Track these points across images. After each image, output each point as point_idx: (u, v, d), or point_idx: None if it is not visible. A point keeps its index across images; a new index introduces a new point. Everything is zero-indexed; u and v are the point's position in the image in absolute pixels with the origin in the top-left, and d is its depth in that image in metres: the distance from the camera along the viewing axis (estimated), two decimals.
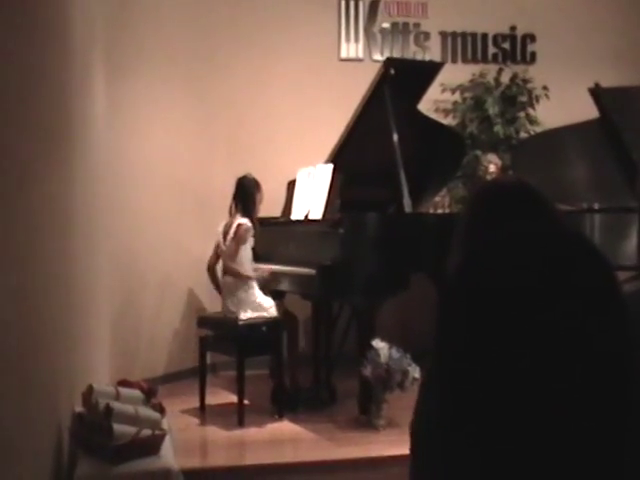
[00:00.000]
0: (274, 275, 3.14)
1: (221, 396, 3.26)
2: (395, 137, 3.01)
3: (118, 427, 1.64)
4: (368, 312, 2.83)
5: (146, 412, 1.78)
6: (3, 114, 1.12)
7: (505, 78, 4.11)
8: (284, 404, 2.94)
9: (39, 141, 1.49)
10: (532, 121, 4.03)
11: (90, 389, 1.81)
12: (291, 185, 3.47)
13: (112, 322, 3.20)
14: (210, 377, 3.21)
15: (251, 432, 2.76)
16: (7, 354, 1.13)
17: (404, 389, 2.65)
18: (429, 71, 3.32)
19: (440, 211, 3.84)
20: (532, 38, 4.42)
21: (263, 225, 3.24)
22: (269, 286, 3.16)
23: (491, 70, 4.14)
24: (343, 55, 4.21)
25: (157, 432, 1.70)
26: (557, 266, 0.78)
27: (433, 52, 4.27)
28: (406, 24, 4.27)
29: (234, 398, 2.94)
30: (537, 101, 4.04)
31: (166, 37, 3.61)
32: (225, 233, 3.10)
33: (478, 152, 3.94)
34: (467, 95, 4.07)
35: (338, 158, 3.28)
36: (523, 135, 4.01)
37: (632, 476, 0.74)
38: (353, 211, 2.92)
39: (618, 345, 0.75)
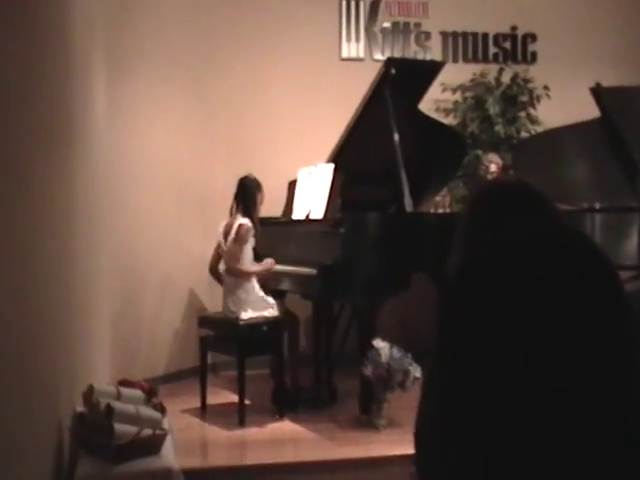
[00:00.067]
0: (275, 275, 3.13)
1: (222, 396, 3.26)
2: (396, 137, 3.01)
3: (119, 427, 1.64)
4: (369, 312, 2.83)
5: (147, 412, 1.78)
6: (3, 114, 1.12)
7: (506, 78, 4.10)
8: (285, 404, 2.94)
9: (39, 141, 1.49)
10: (533, 121, 4.03)
11: (91, 389, 1.81)
12: (292, 185, 3.47)
13: (113, 322, 3.20)
14: (211, 377, 3.21)
15: (252, 432, 2.76)
16: (8, 354, 1.13)
17: (405, 389, 2.65)
18: (430, 71, 3.32)
19: (441, 211, 3.83)
20: (533, 38, 4.41)
21: (264, 225, 3.24)
22: (269, 285, 3.15)
23: (492, 70, 4.13)
24: (344, 55, 4.21)
25: (158, 432, 1.70)
26: (557, 266, 0.78)
27: (434, 52, 4.27)
28: (407, 24, 4.27)
29: (235, 398, 2.94)
30: (538, 101, 4.04)
31: (166, 37, 3.61)
32: (226, 233, 3.09)
33: (479, 152, 3.94)
34: (468, 95, 4.07)
35: (339, 158, 3.28)
36: (524, 135, 4.00)
37: (633, 476, 0.73)
38: (354, 211, 2.92)
39: (619, 345, 0.75)
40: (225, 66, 3.92)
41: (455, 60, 4.28)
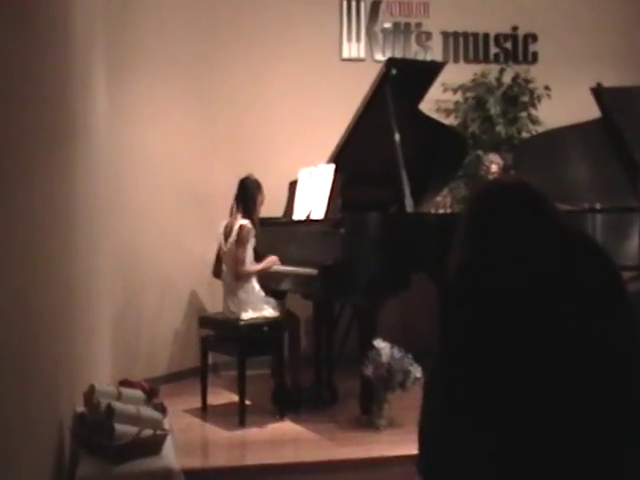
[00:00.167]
0: (276, 275, 3.13)
1: (222, 396, 3.26)
2: (397, 137, 3.01)
3: (119, 427, 1.64)
4: (369, 312, 2.83)
5: (147, 412, 1.78)
6: (3, 114, 1.12)
7: (507, 78, 4.10)
8: (285, 404, 2.94)
9: (40, 141, 1.49)
10: (534, 121, 4.03)
11: (92, 389, 1.81)
12: (292, 185, 3.47)
13: (113, 322, 3.20)
14: (211, 377, 3.21)
15: (252, 432, 2.76)
16: (8, 354, 1.13)
17: (405, 389, 2.65)
18: (431, 71, 3.32)
19: (442, 211, 3.83)
20: (534, 38, 4.41)
21: (265, 225, 3.24)
22: (270, 285, 3.15)
23: (493, 70, 4.13)
24: (345, 55, 4.21)
25: (158, 432, 1.70)
26: (558, 266, 0.77)
27: (435, 52, 4.27)
28: (408, 24, 4.27)
29: (235, 398, 2.94)
30: (539, 101, 4.03)
31: (167, 37, 3.61)
32: (226, 234, 3.09)
33: (480, 152, 3.94)
34: (469, 95, 4.06)
35: (339, 158, 3.28)
36: (525, 135, 4.00)
37: (634, 476, 0.73)
38: (354, 211, 2.92)
39: (622, 345, 0.74)
40: (225, 66, 3.93)
41: (456, 60, 4.28)
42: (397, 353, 2.67)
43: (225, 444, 2.68)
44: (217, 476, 2.36)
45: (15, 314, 1.19)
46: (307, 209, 3.21)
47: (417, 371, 2.63)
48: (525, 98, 4.05)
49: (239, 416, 2.82)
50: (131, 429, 1.65)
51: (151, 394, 1.95)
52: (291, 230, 3.30)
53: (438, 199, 3.79)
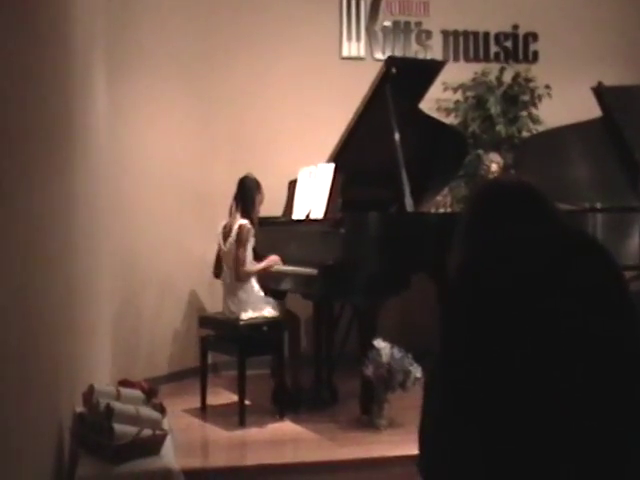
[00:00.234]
0: (276, 275, 3.14)
1: (222, 396, 3.26)
2: (396, 136, 3.01)
3: (119, 427, 1.64)
4: (369, 312, 2.83)
5: (147, 412, 1.78)
6: (4, 114, 1.13)
7: (507, 77, 4.10)
8: (285, 404, 2.95)
9: (40, 141, 1.50)
10: (534, 120, 4.03)
11: (91, 389, 1.82)
12: (292, 185, 3.47)
13: (113, 322, 3.20)
14: (211, 377, 3.21)
15: (252, 432, 2.76)
16: (8, 354, 1.14)
17: (406, 389, 2.65)
18: (431, 70, 3.32)
19: (442, 211, 3.83)
20: (534, 37, 4.41)
21: (264, 225, 3.24)
22: (270, 285, 3.16)
23: (493, 69, 4.13)
24: (344, 54, 4.21)
25: (158, 432, 1.70)
26: (558, 266, 0.78)
27: (435, 51, 4.27)
28: (408, 22, 4.27)
29: (235, 398, 2.94)
30: (539, 100, 4.03)
31: (167, 36, 3.61)
32: (225, 234, 3.09)
33: (480, 151, 3.94)
34: (469, 94, 4.06)
35: (339, 157, 3.28)
36: (525, 134, 4.00)
37: (635, 476, 0.73)
38: (354, 211, 2.92)
39: (624, 344, 0.74)
40: (225, 65, 3.93)
41: (456, 59, 4.28)
42: (397, 353, 2.68)
43: (225, 444, 2.68)
44: (217, 476, 2.36)
45: (15, 314, 1.19)
46: (307, 209, 3.21)
47: (417, 371, 2.63)
48: (525, 97, 4.05)
49: (239, 416, 2.82)
50: (130, 429, 1.65)
51: (150, 394, 1.95)
52: (291, 230, 3.30)
53: (438, 199, 3.80)
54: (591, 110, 3.42)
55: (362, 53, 4.22)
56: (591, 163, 3.41)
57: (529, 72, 4.10)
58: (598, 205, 3.30)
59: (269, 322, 2.98)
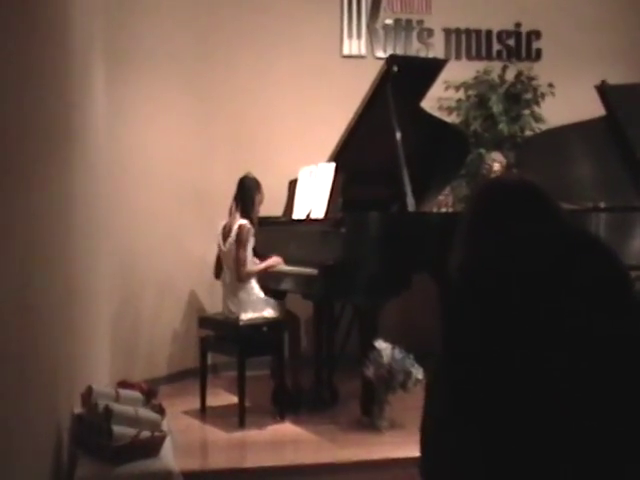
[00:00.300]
0: (276, 275, 3.14)
1: (222, 397, 3.26)
2: (398, 135, 3.01)
3: (118, 428, 1.65)
4: (370, 312, 2.84)
5: (146, 413, 1.78)
6: (2, 115, 1.13)
7: (510, 75, 4.10)
8: (285, 405, 2.95)
9: (38, 141, 1.50)
10: (537, 119, 4.02)
11: (89, 390, 1.82)
12: (292, 184, 3.47)
13: (112, 322, 3.21)
14: (211, 378, 3.22)
15: (252, 433, 2.76)
16: (7, 354, 1.14)
17: (407, 390, 2.65)
18: (432, 68, 3.32)
19: (443, 210, 3.83)
20: (537, 35, 4.41)
21: (264, 225, 3.24)
22: (270, 285, 3.16)
23: (495, 67, 4.13)
24: (345, 52, 4.21)
25: (157, 433, 1.71)
26: (562, 266, 0.78)
27: (436, 49, 4.26)
28: (409, 20, 4.27)
29: (235, 399, 2.95)
30: (542, 99, 4.03)
31: (166, 35, 3.61)
32: (225, 235, 3.10)
33: (482, 150, 3.94)
34: (471, 93, 4.06)
35: (340, 156, 3.28)
36: (528, 133, 4.00)
37: (635, 476, 0.74)
38: (355, 210, 2.92)
39: (628, 344, 0.74)
40: (225, 64, 3.93)
41: (458, 57, 4.28)
42: (398, 354, 2.68)
43: (225, 445, 2.68)
44: (216, 478, 2.37)
45: (14, 314, 1.19)
46: (307, 208, 3.21)
47: (418, 372, 2.63)
48: (528, 96, 4.05)
49: (239, 417, 2.82)
50: (129, 430, 1.65)
51: (149, 395, 1.96)
52: (291, 230, 3.30)
53: (440, 198, 3.80)
54: (594, 109, 3.42)
55: (363, 51, 4.22)
56: (594, 162, 3.41)
57: (532, 70, 4.10)
58: (601, 205, 3.30)
59: (269, 322, 2.98)
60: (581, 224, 2.99)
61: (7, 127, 1.16)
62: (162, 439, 1.72)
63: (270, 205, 3.34)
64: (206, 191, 3.78)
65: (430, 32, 4.29)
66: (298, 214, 3.29)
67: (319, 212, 3.09)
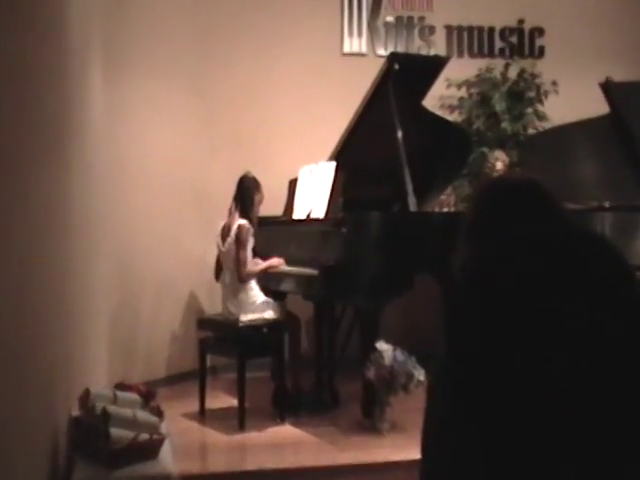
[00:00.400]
0: (276, 275, 3.14)
1: (221, 399, 3.26)
2: (399, 134, 3.01)
3: (115, 431, 1.64)
4: (371, 313, 2.83)
5: (144, 416, 1.78)
6: (0, 114, 1.13)
7: (512, 73, 4.10)
8: (286, 407, 2.95)
9: (36, 141, 1.50)
10: (540, 117, 4.02)
11: (87, 393, 1.82)
12: (292, 183, 3.47)
13: (110, 323, 3.21)
14: (210, 380, 3.22)
15: (252, 436, 2.76)
16: (4, 355, 1.14)
17: (408, 392, 2.65)
18: (434, 66, 3.32)
19: (445, 210, 3.83)
20: (540, 32, 4.40)
21: (264, 225, 3.24)
22: (270, 286, 3.15)
23: (498, 65, 4.12)
24: (346, 50, 4.21)
25: (155, 436, 1.70)
26: (565, 266, 0.77)
27: (438, 46, 4.26)
28: (410, 18, 4.27)
29: (234, 401, 2.94)
30: (545, 97, 4.03)
31: (165, 34, 3.61)
32: (224, 235, 3.09)
33: (485, 149, 3.93)
34: (473, 91, 4.06)
35: (341, 155, 3.28)
36: (531, 132, 4.00)
37: (635, 476, 0.73)
38: (356, 210, 2.92)
39: (632, 344, 0.74)
40: (224, 63, 3.93)
41: (460, 55, 4.27)
42: (400, 355, 2.68)
43: (224, 448, 2.68)
44: None
45: (11, 315, 1.19)
46: (307, 208, 3.21)
47: (420, 374, 2.63)
48: (531, 94, 4.04)
49: (238, 419, 2.82)
50: (127, 433, 1.65)
51: (148, 397, 1.95)
52: (291, 230, 3.30)
53: (442, 198, 3.79)
54: (598, 106, 3.41)
55: (364, 49, 4.22)
56: (598, 161, 3.40)
57: (535, 68, 4.09)
58: (606, 204, 3.29)
59: (269, 324, 2.98)
60: (585, 224, 2.99)
61: (4, 127, 1.16)
62: (161, 442, 1.71)
63: (270, 205, 3.34)
64: (205, 191, 3.77)
65: (432, 29, 4.28)
66: (298, 214, 3.29)
67: (319, 212, 3.08)
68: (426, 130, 3.26)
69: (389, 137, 3.01)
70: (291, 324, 3.15)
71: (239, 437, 2.76)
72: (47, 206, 1.63)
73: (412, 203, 2.96)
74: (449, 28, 4.31)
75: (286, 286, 3.17)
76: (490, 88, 4.01)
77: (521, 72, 4.07)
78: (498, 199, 0.94)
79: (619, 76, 3.59)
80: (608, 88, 3.41)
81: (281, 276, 3.13)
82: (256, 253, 3.13)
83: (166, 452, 1.73)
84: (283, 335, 3.07)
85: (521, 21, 4.38)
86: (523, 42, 4.40)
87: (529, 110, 4.04)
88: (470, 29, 4.33)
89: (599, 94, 3.42)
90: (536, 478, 0.72)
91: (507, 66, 4.11)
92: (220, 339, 3.08)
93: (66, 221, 1.97)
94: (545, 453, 0.71)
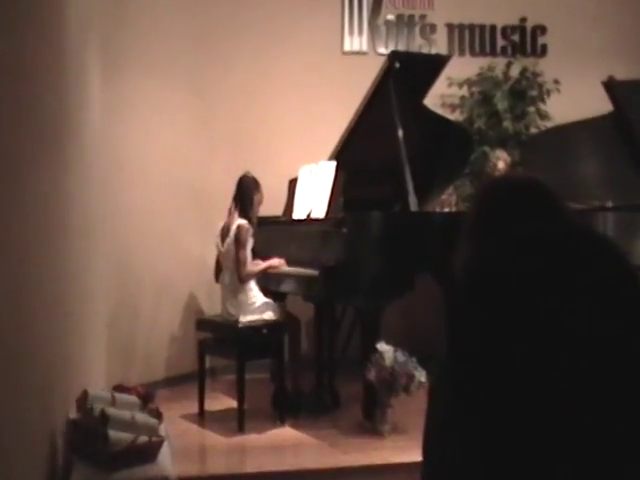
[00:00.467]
0: (276, 276, 3.13)
1: (221, 401, 3.26)
2: (400, 133, 3.01)
3: (114, 433, 1.64)
4: (372, 314, 2.83)
5: (143, 418, 1.78)
6: None
7: (514, 72, 4.09)
8: (285, 409, 2.95)
9: (34, 141, 1.50)
10: (542, 116, 4.02)
11: (85, 394, 1.82)
12: (292, 183, 3.47)
13: (108, 323, 3.21)
14: (209, 381, 3.22)
15: (251, 438, 2.76)
16: (2, 356, 1.14)
17: (410, 393, 2.65)
18: (435, 65, 3.32)
19: (447, 210, 3.83)
20: (543, 30, 4.40)
21: (264, 225, 3.24)
22: (270, 287, 3.15)
23: (500, 63, 4.12)
24: (346, 48, 4.21)
25: (154, 438, 1.70)
26: (568, 266, 0.77)
27: (439, 45, 4.26)
28: (411, 16, 4.27)
29: (234, 403, 2.94)
30: (548, 95, 4.03)
31: (163, 33, 3.61)
32: (223, 235, 3.09)
33: (486, 148, 3.93)
34: (475, 89, 4.06)
35: (341, 155, 3.28)
36: (533, 131, 3.99)
37: (635, 477, 0.73)
38: (357, 210, 2.92)
39: (634, 345, 0.74)
40: (223, 62, 3.93)
41: (461, 53, 4.27)
42: (401, 356, 2.67)
43: (223, 450, 2.68)
44: None
45: (8, 316, 1.19)
46: (308, 208, 3.21)
47: (422, 375, 2.63)
48: (533, 92, 4.04)
49: (238, 421, 2.82)
50: (126, 435, 1.65)
51: (146, 399, 1.95)
52: (291, 230, 3.30)
53: (443, 197, 3.79)
54: (601, 105, 3.41)
55: (364, 48, 4.22)
56: (601, 160, 3.40)
57: (537, 66, 4.09)
58: (609, 204, 3.29)
59: (269, 325, 2.98)
60: (588, 224, 2.99)
61: (3, 127, 1.16)
62: (159, 444, 1.71)
63: (270, 205, 3.34)
64: (205, 190, 3.77)
65: (433, 28, 4.28)
66: (298, 214, 3.29)
67: (320, 212, 3.08)
68: (427, 129, 3.26)
69: (390, 136, 3.01)
70: (291, 325, 3.15)
71: (238, 439, 2.76)
72: (45, 206, 1.63)
73: (413, 203, 2.96)
74: (450, 26, 4.31)
75: (286, 287, 3.16)
76: (492, 87, 4.01)
77: (523, 71, 4.07)
78: (500, 198, 0.94)
79: (623, 74, 3.59)
80: (611, 87, 3.41)
81: (281, 277, 3.13)
82: (256, 254, 3.13)
83: (165, 454, 1.73)
84: (283, 336, 3.07)
85: (523, 19, 4.38)
86: (525, 40, 4.40)
87: (531, 109, 4.04)
88: (471, 27, 4.33)
89: (602, 92, 3.42)
90: (536, 478, 0.72)
91: (509, 64, 4.10)
92: (219, 340, 3.08)
93: (65, 221, 1.98)
94: (545, 453, 0.71)
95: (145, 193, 3.52)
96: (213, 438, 2.79)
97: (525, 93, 4.04)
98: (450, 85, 3.93)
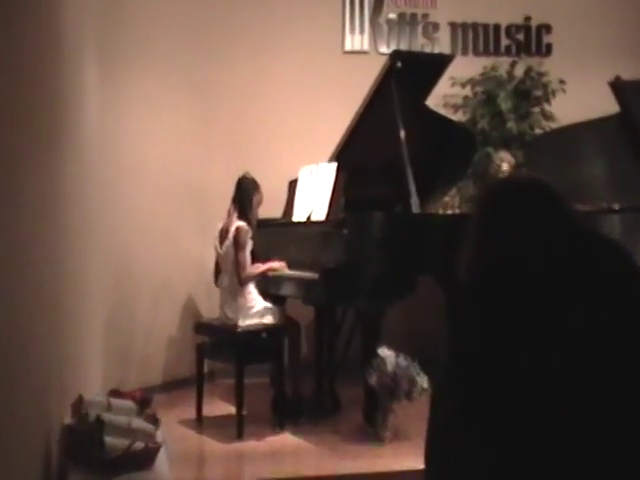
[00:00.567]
0: (275, 279, 3.13)
1: (219, 406, 3.25)
2: (402, 133, 3.01)
3: (110, 439, 1.64)
4: (373, 317, 2.83)
5: (139, 423, 1.77)
6: None
7: (519, 71, 4.09)
8: (285, 414, 2.94)
9: (31, 141, 1.50)
10: (547, 117, 4.02)
11: (80, 400, 1.81)
12: (293, 184, 3.47)
13: (106, 326, 3.20)
14: (207, 386, 3.21)
15: (250, 444, 2.75)
16: None
17: (411, 399, 2.64)
18: (438, 64, 3.32)
19: (449, 211, 3.82)
20: (547, 29, 4.40)
21: (263, 227, 3.24)
22: (269, 290, 3.15)
23: (504, 63, 4.12)
24: (347, 47, 4.21)
25: (151, 444, 1.70)
26: (573, 268, 0.77)
27: (442, 44, 4.26)
28: (414, 15, 4.27)
29: (232, 408, 2.94)
30: (553, 95, 4.02)
31: (161, 32, 3.62)
32: (222, 238, 3.09)
33: (490, 149, 3.93)
34: (478, 89, 4.06)
35: (342, 156, 3.28)
36: (538, 131, 3.99)
37: (636, 477, 0.73)
38: (358, 211, 2.92)
39: (634, 345, 0.74)
40: (223, 61, 3.93)
41: (465, 53, 4.28)
42: (403, 361, 2.67)
43: (222, 457, 2.68)
44: None
45: (4, 316, 1.19)
46: (308, 209, 3.21)
47: (424, 380, 2.62)
48: (538, 92, 4.04)
49: (236, 427, 2.81)
50: (122, 441, 1.64)
51: (143, 404, 1.95)
52: (291, 232, 3.30)
53: (446, 199, 3.79)
54: (607, 106, 3.41)
55: (366, 47, 4.22)
56: (607, 161, 3.40)
57: (542, 66, 4.09)
58: (615, 205, 3.29)
59: (268, 328, 2.98)
60: (594, 225, 2.98)
61: None
62: (156, 450, 1.71)
63: (269, 206, 3.33)
64: (204, 191, 3.78)
65: (435, 26, 4.29)
66: (298, 216, 3.28)
67: (320, 213, 3.08)
68: (429, 130, 3.26)
69: (391, 137, 3.01)
70: (291, 329, 3.14)
71: (237, 445, 2.75)
72: (43, 206, 1.63)
73: (415, 204, 2.96)
74: (453, 25, 4.31)
75: (286, 290, 3.16)
76: (495, 87, 4.01)
77: (527, 70, 4.07)
78: (503, 200, 0.94)
79: (629, 74, 3.59)
80: (618, 87, 3.40)
81: (280, 280, 3.12)
82: (255, 256, 3.13)
83: (162, 461, 1.73)
84: (282, 340, 3.06)
85: (528, 18, 4.38)
86: (530, 39, 4.40)
87: (536, 109, 4.04)
88: (475, 26, 4.33)
89: (608, 93, 3.41)
90: (538, 478, 0.72)
91: (513, 64, 4.10)
92: (218, 344, 3.08)
93: (62, 221, 1.98)
94: (547, 453, 0.71)
95: (144, 193, 3.52)
96: (211, 444, 2.79)
97: (530, 93, 4.04)
98: (453, 85, 3.93)
